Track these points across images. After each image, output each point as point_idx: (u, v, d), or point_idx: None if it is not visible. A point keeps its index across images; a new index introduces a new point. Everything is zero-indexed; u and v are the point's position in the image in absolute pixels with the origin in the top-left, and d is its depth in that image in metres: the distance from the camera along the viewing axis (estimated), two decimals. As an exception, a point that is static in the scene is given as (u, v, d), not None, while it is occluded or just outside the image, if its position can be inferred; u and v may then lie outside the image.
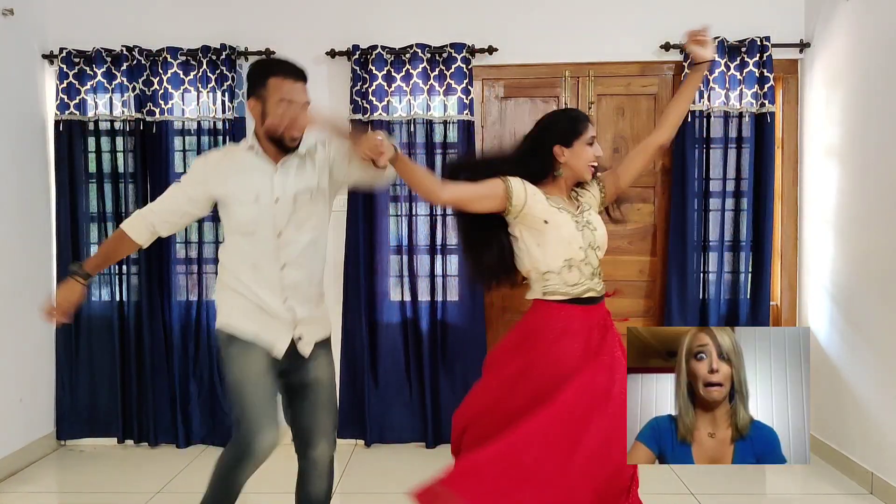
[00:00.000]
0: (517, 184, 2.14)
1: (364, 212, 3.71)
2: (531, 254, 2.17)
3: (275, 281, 2.18)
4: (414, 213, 3.76)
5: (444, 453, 3.71)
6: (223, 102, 3.70)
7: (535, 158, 2.21)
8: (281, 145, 2.16)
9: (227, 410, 3.73)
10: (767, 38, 3.60)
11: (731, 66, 3.62)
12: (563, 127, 2.21)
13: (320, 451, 2.26)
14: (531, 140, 2.26)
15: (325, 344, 2.31)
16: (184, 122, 3.77)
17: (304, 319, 2.22)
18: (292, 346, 2.21)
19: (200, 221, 3.76)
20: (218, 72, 3.68)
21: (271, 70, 2.14)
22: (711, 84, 3.62)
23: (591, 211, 2.27)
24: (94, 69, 3.73)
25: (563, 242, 2.14)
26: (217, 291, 2.31)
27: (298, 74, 2.14)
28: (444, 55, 3.66)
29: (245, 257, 2.20)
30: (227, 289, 2.24)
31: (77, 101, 3.74)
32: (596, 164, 2.23)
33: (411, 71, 3.69)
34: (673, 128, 2.33)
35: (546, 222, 2.13)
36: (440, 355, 3.76)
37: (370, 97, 3.67)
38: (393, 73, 3.69)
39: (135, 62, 3.72)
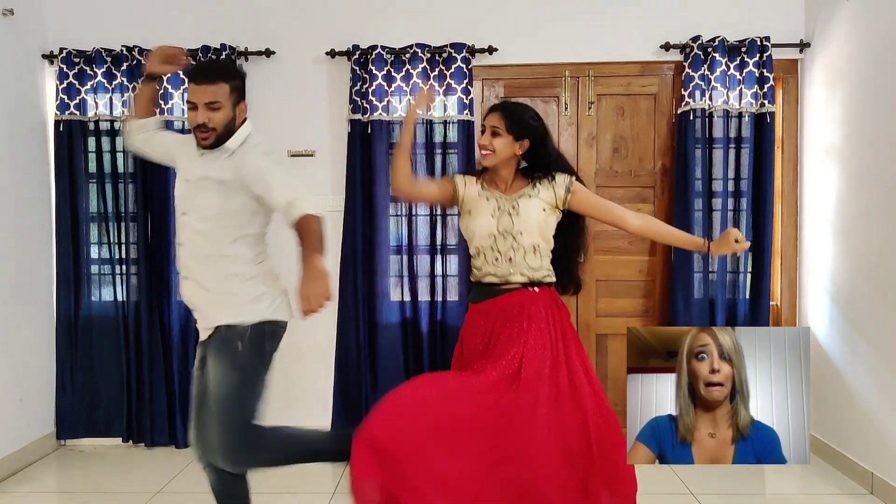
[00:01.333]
0: (459, 178, 2.47)
1: (363, 212, 3.71)
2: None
3: (178, 256, 2.36)
4: (414, 213, 3.76)
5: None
6: (223, 102, 3.69)
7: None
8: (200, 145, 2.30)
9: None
10: (767, 38, 3.60)
11: (731, 66, 3.62)
12: None
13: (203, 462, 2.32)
14: None
15: (218, 342, 2.22)
16: (184, 122, 3.76)
17: (192, 302, 2.33)
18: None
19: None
20: (218, 72, 3.68)
21: (187, 76, 2.37)
22: (713, 83, 3.62)
23: (532, 199, 2.36)
24: (94, 69, 3.73)
25: (477, 231, 2.37)
26: None
27: (199, 77, 2.25)
28: (444, 55, 3.66)
29: None
30: None
31: (77, 101, 3.74)
32: (482, 150, 2.39)
33: (411, 71, 3.69)
34: (649, 237, 2.75)
35: (469, 213, 2.41)
36: (440, 355, 3.75)
37: (370, 97, 3.67)
38: (393, 73, 3.69)
39: (135, 62, 3.71)
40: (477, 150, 3.63)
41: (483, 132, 2.39)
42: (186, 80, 2.30)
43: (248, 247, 2.29)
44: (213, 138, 2.23)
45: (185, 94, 3.71)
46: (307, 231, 2.06)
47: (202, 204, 2.25)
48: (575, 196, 2.39)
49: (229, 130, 2.26)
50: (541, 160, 2.41)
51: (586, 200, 2.42)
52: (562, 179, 2.40)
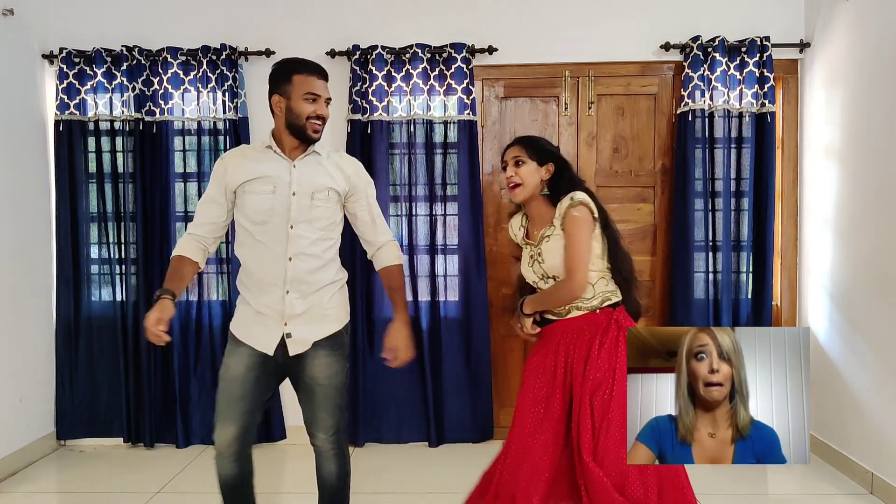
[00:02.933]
0: (514, 225, 2.46)
1: (364, 212, 3.70)
2: None
3: (279, 272, 2.23)
4: (414, 213, 3.76)
5: (447, 452, 3.72)
6: (223, 102, 3.70)
7: None
8: (303, 138, 2.26)
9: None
10: (767, 38, 3.60)
11: (731, 65, 3.62)
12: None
13: (319, 441, 2.35)
14: None
15: (326, 343, 2.29)
16: (184, 123, 3.77)
17: (299, 316, 2.25)
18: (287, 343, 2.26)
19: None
20: (218, 72, 3.68)
21: (296, 68, 2.29)
22: (713, 83, 3.62)
23: (551, 239, 2.28)
24: (94, 69, 3.74)
25: (524, 274, 2.41)
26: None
27: (321, 73, 2.31)
28: (444, 55, 3.66)
29: (254, 249, 2.26)
30: (240, 285, 2.34)
31: (77, 101, 3.75)
32: (508, 184, 2.32)
33: (411, 71, 3.69)
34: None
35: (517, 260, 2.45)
36: (440, 355, 3.75)
37: (370, 97, 3.67)
38: (393, 73, 3.69)
39: (135, 62, 3.72)
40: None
41: (504, 168, 2.33)
42: (300, 72, 2.26)
43: (337, 252, 2.38)
44: (321, 132, 2.29)
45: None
46: (396, 282, 2.40)
47: (322, 215, 2.26)
48: (563, 222, 2.24)
49: None
50: (566, 185, 2.30)
51: (567, 230, 2.23)
52: (563, 203, 2.25)
